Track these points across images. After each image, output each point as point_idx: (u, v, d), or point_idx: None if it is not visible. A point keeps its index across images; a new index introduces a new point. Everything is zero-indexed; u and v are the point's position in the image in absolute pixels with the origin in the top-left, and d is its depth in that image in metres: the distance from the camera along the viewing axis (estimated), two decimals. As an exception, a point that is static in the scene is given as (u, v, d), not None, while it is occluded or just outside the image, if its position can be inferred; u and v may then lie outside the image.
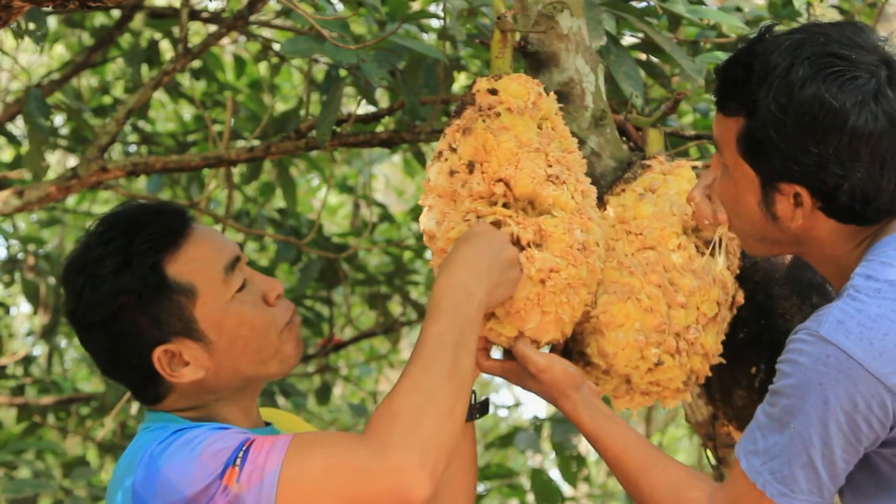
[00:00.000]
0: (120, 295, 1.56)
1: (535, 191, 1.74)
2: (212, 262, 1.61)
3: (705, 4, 2.70)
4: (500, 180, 1.73)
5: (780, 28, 1.60)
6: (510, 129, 1.76)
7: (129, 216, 1.63)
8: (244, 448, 1.48)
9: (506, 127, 1.76)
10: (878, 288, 1.51)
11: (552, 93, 1.87)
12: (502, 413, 8.40)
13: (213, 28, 3.67)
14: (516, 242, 1.71)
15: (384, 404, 1.50)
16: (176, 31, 3.83)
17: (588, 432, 1.72)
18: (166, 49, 4.36)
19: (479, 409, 1.80)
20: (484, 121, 1.77)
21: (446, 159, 1.78)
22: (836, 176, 1.51)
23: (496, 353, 1.83)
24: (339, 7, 2.90)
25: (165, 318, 1.57)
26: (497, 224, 1.72)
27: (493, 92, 1.79)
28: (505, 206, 1.75)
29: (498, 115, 1.77)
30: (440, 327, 1.56)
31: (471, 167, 1.74)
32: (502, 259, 1.65)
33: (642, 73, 2.62)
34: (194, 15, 3.66)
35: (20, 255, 4.50)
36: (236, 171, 4.05)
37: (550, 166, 1.77)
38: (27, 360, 4.82)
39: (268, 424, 1.72)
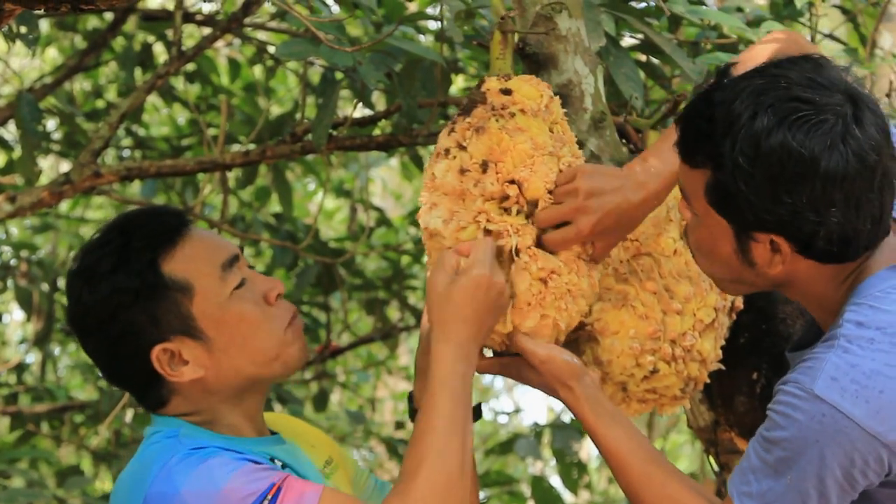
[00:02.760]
0: (116, 294, 1.55)
1: (543, 195, 1.72)
2: (208, 258, 1.60)
3: (705, 5, 2.67)
4: (514, 182, 1.71)
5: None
6: (526, 131, 1.74)
7: (126, 219, 1.63)
8: (271, 493, 1.45)
9: (521, 128, 1.74)
10: (871, 337, 1.48)
11: (557, 96, 1.85)
12: (502, 419, 8.39)
13: (207, 31, 3.64)
14: (516, 252, 1.70)
15: (401, 492, 1.50)
16: (170, 33, 3.81)
17: (590, 428, 1.69)
18: (160, 52, 4.33)
19: (472, 414, 1.76)
20: (497, 120, 1.74)
21: (455, 157, 1.75)
22: (812, 223, 1.47)
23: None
24: (335, 9, 2.88)
25: (163, 317, 1.56)
26: (496, 235, 1.70)
27: (507, 92, 1.77)
28: (518, 211, 1.72)
29: (513, 115, 1.75)
30: (451, 407, 1.55)
31: (484, 166, 1.72)
32: (493, 299, 1.62)
33: (642, 74, 2.60)
34: (188, 17, 3.64)
35: (13, 262, 4.47)
36: (231, 176, 4.03)
37: (562, 172, 1.75)
38: (20, 368, 4.80)
39: (273, 433, 1.69)
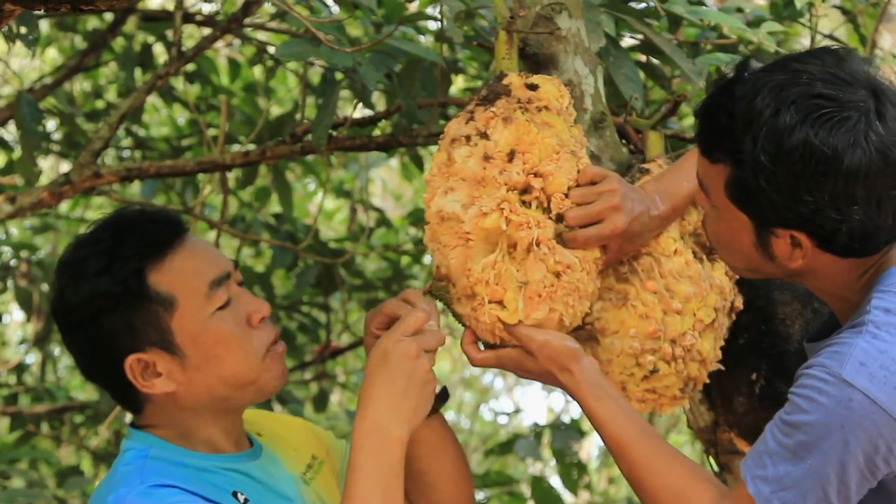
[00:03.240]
0: (98, 297, 1.54)
1: (559, 193, 1.74)
2: (197, 274, 1.57)
3: (705, 5, 2.67)
4: (539, 174, 1.72)
5: (754, 62, 1.55)
6: (552, 127, 1.76)
7: (121, 220, 1.61)
8: None
9: (548, 123, 1.76)
10: None
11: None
12: (502, 420, 8.39)
13: (207, 31, 3.64)
14: (536, 244, 1.70)
15: None
16: (170, 34, 3.81)
17: (591, 413, 1.67)
18: (160, 52, 4.33)
19: (440, 398, 1.73)
20: (524, 112, 1.75)
21: (476, 144, 1.75)
22: (834, 221, 1.48)
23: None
24: (335, 9, 2.88)
25: (141, 327, 1.55)
26: (516, 225, 1.70)
27: (533, 87, 1.78)
28: (538, 206, 1.73)
29: (539, 110, 1.76)
30: (365, 486, 1.51)
31: (511, 156, 1.72)
32: (417, 380, 1.57)
33: (642, 74, 2.60)
34: (188, 18, 3.63)
35: (13, 262, 4.47)
36: (231, 176, 4.03)
37: (587, 171, 1.78)
38: (20, 369, 4.80)
39: (252, 444, 1.67)
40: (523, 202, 1.72)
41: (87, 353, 1.60)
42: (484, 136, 1.75)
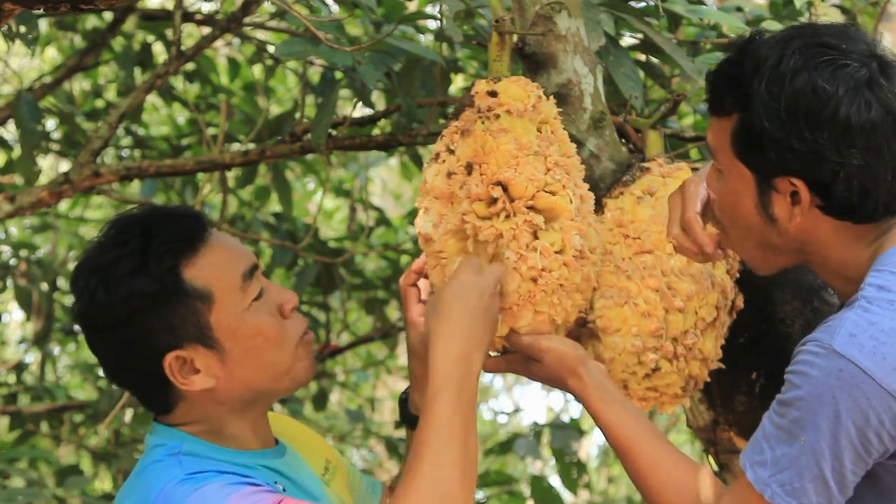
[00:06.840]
0: (135, 297, 1.52)
1: (534, 194, 1.72)
2: (230, 268, 1.57)
3: (705, 4, 2.68)
4: (499, 183, 1.71)
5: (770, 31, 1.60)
6: (510, 132, 1.75)
7: (145, 219, 1.59)
8: None
9: (505, 129, 1.75)
10: (891, 300, 1.50)
11: (551, 96, 1.85)
12: (502, 419, 8.40)
13: (206, 30, 3.64)
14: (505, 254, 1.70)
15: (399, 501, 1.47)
16: (169, 33, 3.81)
17: (597, 416, 1.69)
18: (159, 52, 4.34)
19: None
20: (483, 122, 1.75)
21: (443, 161, 1.77)
22: (832, 163, 1.50)
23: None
24: (335, 8, 2.88)
25: (180, 324, 1.53)
26: (482, 244, 1.70)
27: (493, 94, 1.78)
28: (507, 215, 1.72)
29: (497, 116, 1.76)
30: (448, 414, 1.51)
31: (469, 168, 1.73)
32: (487, 303, 1.61)
33: (641, 73, 2.60)
34: (188, 17, 3.64)
35: (12, 262, 4.47)
36: (231, 175, 4.03)
37: (549, 170, 1.75)
38: (19, 368, 4.80)
39: (277, 442, 1.67)
40: (492, 214, 1.72)
41: (119, 355, 1.57)
42: (451, 151, 1.76)
